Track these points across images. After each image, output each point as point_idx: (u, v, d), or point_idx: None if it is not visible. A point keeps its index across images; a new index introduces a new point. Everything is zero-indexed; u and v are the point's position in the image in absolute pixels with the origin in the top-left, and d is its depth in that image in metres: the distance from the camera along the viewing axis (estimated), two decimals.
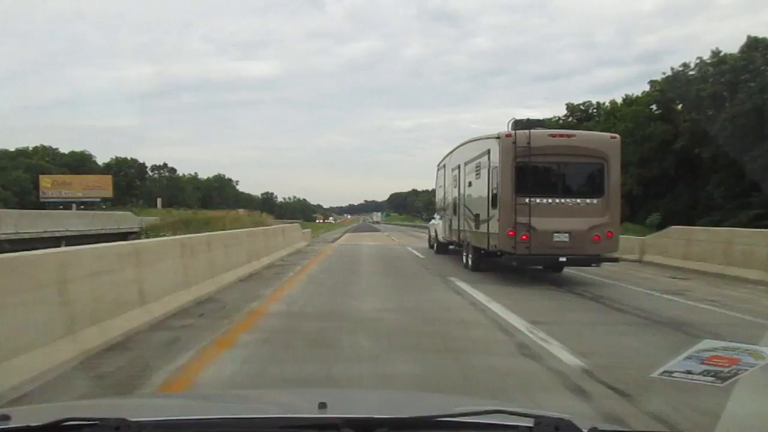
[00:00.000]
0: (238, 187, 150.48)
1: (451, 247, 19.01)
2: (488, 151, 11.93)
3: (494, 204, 11.42)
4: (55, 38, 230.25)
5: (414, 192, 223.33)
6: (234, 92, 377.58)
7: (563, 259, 10.80)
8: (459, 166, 15.46)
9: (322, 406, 1.49)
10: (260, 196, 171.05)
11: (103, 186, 69.57)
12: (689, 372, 1.52)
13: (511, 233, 10.78)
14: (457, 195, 15.69)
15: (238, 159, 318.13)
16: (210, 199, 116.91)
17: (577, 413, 1.90)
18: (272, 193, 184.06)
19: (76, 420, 1.34)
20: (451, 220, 16.81)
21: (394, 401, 2.13)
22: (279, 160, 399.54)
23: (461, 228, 14.97)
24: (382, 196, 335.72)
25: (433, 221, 22.86)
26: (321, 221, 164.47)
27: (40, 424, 1.34)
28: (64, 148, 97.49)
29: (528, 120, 11.67)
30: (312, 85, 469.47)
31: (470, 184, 13.85)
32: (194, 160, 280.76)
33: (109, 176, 74.64)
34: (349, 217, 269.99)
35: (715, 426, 1.61)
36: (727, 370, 1.49)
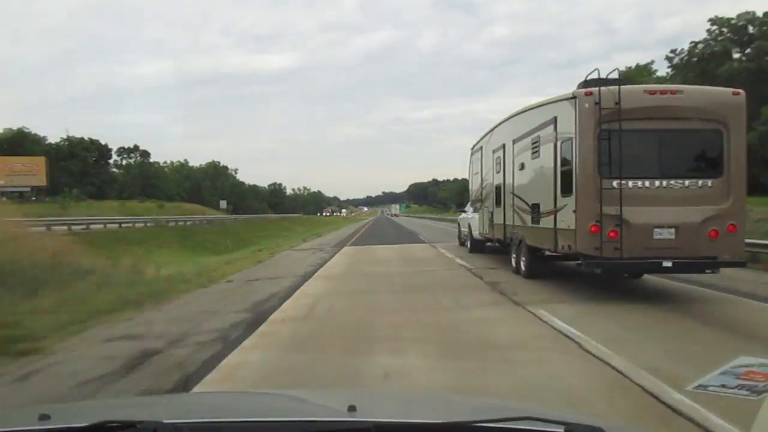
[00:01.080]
0: (238, 176, 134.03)
1: (488, 244, 16.05)
2: (554, 120, 8.91)
3: (566, 189, 8.41)
4: (71, 35, 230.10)
5: (435, 182, 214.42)
6: (250, 85, 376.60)
7: (668, 264, 7.74)
8: (504, 146, 12.43)
9: (352, 408, 1.46)
10: (267, 187, 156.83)
11: (33, 171, 53.72)
12: (724, 386, 1.51)
13: (594, 229, 7.77)
14: (501, 182, 12.68)
15: (253, 152, 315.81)
16: (200, 191, 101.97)
17: None
18: (280, 184, 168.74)
19: (115, 422, 1.35)
20: (492, 213, 13.81)
21: (423, 405, 2.08)
22: (295, 153, 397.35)
23: (509, 222, 11.96)
24: (400, 188, 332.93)
25: (464, 215, 19.85)
26: (328, 214, 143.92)
27: (80, 425, 1.34)
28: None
29: (606, 78, 8.55)
30: (327, 78, 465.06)
31: (523, 166, 10.83)
32: (209, 155, 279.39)
33: (42, 158, 57.25)
34: (365, 209, 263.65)
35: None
36: (762, 384, 1.48)
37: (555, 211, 8.83)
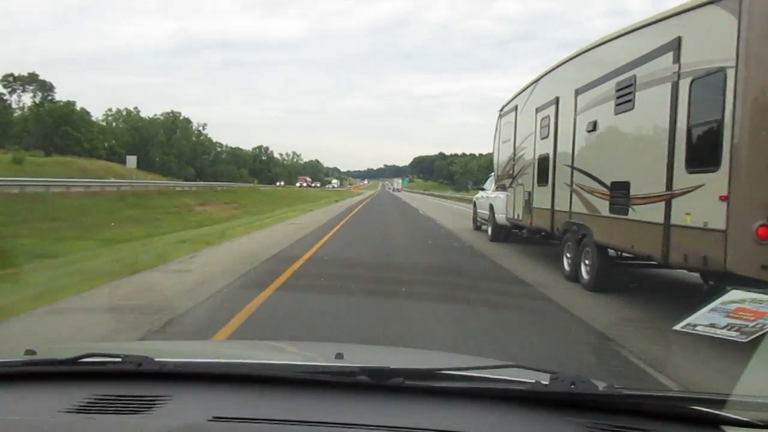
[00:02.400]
0: (211, 134, 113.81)
1: (514, 230, 12.68)
2: (675, 44, 5.38)
3: (702, 160, 4.95)
4: None
5: (441, 155, 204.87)
6: (256, 53, 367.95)
7: None
8: (557, 101, 8.92)
9: (339, 356, 1.49)
10: (251, 151, 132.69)
11: None
12: (713, 325, 1.43)
13: (764, 233, 4.32)
14: (549, 150, 9.20)
15: (258, 120, 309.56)
16: (147, 148, 79.14)
17: None
18: (267, 148, 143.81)
19: (99, 355, 1.39)
20: (530, 194, 10.35)
21: (409, 356, 2.14)
22: (298, 122, 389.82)
23: (561, 207, 8.53)
24: (402, 161, 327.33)
25: (482, 193, 16.36)
26: (305, 185, 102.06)
27: (65, 357, 1.36)
28: (90, 107, 78.60)
29: None
30: (334, 47, 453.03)
31: (595, 126, 7.32)
32: (214, 120, 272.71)
33: None
34: (365, 182, 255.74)
35: (734, 387, 1.41)
36: (751, 324, 1.39)
37: (669, 196, 5.37)
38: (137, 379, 1.32)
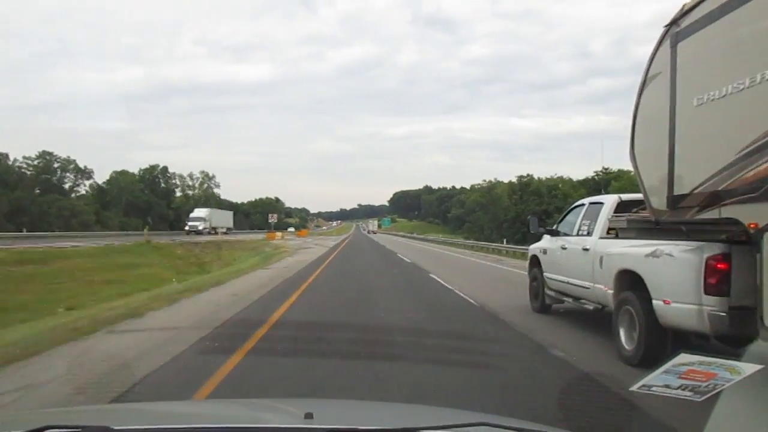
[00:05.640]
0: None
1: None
2: None
3: None
4: (42, 39, 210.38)
5: (428, 189, 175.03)
6: (224, 97, 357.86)
7: None
8: None
9: (309, 416, 1.44)
10: (137, 176, 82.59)
11: None
12: (667, 386, 1.48)
13: None
14: None
15: (229, 164, 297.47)
16: None
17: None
18: (165, 169, 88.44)
19: (58, 427, 1.29)
20: None
21: (380, 413, 2.06)
22: (269, 165, 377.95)
23: None
24: (377, 201, 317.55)
25: (560, 242, 8.27)
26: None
27: (23, 431, 1.26)
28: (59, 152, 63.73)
29: None
30: (303, 91, 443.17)
31: None
32: (182, 164, 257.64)
33: None
34: (336, 224, 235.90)
35: None
36: (704, 384, 1.46)
37: None
38: None
